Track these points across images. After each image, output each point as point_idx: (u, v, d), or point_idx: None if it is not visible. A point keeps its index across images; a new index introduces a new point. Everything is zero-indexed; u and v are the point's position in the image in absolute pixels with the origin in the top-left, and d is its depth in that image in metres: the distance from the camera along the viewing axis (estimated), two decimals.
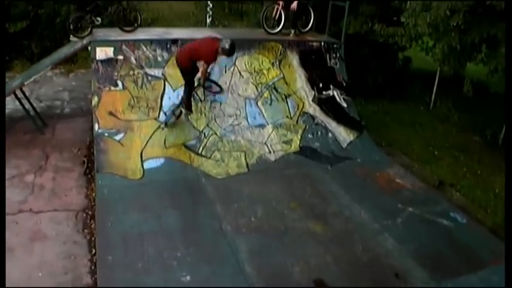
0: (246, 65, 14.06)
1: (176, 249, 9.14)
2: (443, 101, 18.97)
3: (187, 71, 12.09)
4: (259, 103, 13.82)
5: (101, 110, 12.38)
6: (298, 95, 14.24)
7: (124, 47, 13.04)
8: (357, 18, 18.06)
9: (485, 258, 9.76)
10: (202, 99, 13.23)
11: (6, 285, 7.53)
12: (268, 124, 13.54)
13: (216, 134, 12.99)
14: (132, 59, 13.03)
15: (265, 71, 14.12)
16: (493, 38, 12.86)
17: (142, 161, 11.91)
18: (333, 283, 8.63)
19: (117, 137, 12.14)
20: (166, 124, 12.58)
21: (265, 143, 13.25)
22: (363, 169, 13.06)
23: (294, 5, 14.95)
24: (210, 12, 19.84)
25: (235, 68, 13.84)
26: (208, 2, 19.17)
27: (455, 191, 12.72)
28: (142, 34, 14.14)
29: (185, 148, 12.50)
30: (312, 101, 14.44)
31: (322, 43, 15.39)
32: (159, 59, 13.28)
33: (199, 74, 12.23)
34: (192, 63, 11.97)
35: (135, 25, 14.45)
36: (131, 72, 12.90)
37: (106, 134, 12.12)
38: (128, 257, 8.88)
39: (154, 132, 12.43)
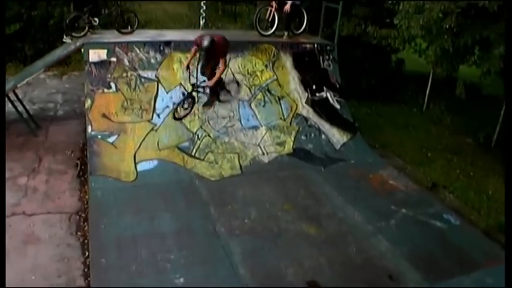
0: (239, 67, 14.07)
1: (170, 251, 9.13)
2: (436, 103, 19.04)
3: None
4: (253, 105, 13.83)
5: (94, 112, 12.36)
6: (291, 97, 14.26)
7: (117, 49, 13.02)
8: (350, 20, 18.14)
9: (478, 260, 9.78)
10: (196, 100, 13.21)
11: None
12: (261, 126, 13.55)
13: (209, 135, 12.99)
14: (125, 61, 13.01)
15: (258, 73, 14.14)
16: (486, 40, 12.90)
17: (135, 163, 11.91)
18: (326, 285, 8.65)
19: (111, 139, 12.14)
20: (175, 117, 12.74)
21: (258, 145, 13.25)
22: (357, 171, 13.08)
23: (287, 7, 14.96)
24: (204, 14, 19.78)
25: (229, 70, 13.80)
26: (202, 4, 19.12)
27: (448, 192, 12.76)
28: (135, 36, 14.12)
29: (178, 150, 12.50)
30: (305, 102, 14.46)
31: (316, 45, 15.41)
32: (152, 61, 13.28)
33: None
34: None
35: (133, 27, 14.44)
36: (124, 74, 12.89)
37: (99, 136, 12.11)
38: (121, 259, 8.86)
39: (147, 134, 12.43)
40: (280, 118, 13.96)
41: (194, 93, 13.04)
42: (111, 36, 13.95)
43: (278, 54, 14.66)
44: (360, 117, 16.19)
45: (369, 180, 12.70)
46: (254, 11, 16.30)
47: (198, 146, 12.71)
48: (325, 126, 14.34)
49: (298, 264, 9.13)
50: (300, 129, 13.98)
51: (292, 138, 13.66)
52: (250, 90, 13.88)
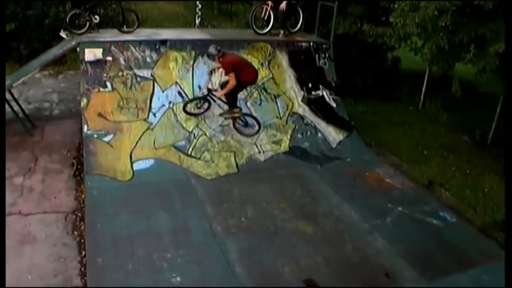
0: None
1: (166, 250, 9.14)
2: (432, 101, 19.04)
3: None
4: (249, 103, 13.83)
5: (89, 111, 12.35)
6: (287, 95, 14.26)
7: (113, 48, 13.00)
8: (345, 18, 18.12)
9: (474, 257, 9.80)
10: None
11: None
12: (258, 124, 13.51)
13: (205, 134, 13.01)
14: (121, 60, 13.00)
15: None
16: (481, 38, 12.91)
17: (131, 162, 11.92)
18: (323, 283, 8.65)
19: (107, 139, 12.14)
20: (185, 110, 12.97)
21: (254, 143, 13.26)
22: (353, 169, 13.09)
23: (283, 5, 14.93)
24: (199, 13, 19.75)
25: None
26: (197, 3, 19.09)
27: (444, 190, 12.77)
28: (131, 35, 14.09)
29: (175, 149, 12.51)
30: (301, 101, 14.46)
31: (311, 43, 15.40)
32: (148, 59, 13.26)
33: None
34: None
35: (133, 26, 14.42)
36: (120, 74, 12.88)
37: (95, 136, 12.11)
38: (117, 258, 8.86)
39: (143, 133, 12.45)
40: (277, 116, 13.97)
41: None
42: (108, 35, 13.93)
43: (274, 53, 14.65)
44: (356, 116, 16.20)
45: (365, 178, 12.71)
46: (250, 10, 16.26)
47: (194, 145, 12.72)
48: (321, 124, 14.35)
49: (295, 262, 9.15)
50: (296, 127, 13.99)
51: (289, 137, 13.66)
52: (246, 88, 13.85)
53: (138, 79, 12.98)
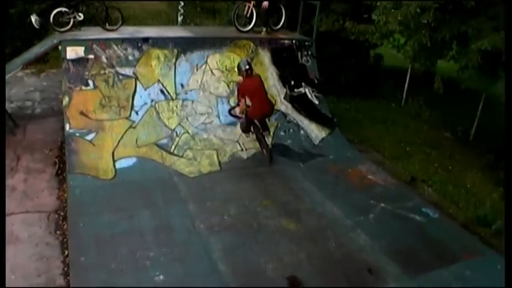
0: (217, 63, 14.07)
1: (149, 249, 9.12)
2: (414, 98, 19.14)
3: None
4: (231, 101, 13.81)
5: (71, 110, 12.29)
6: (270, 93, 14.14)
7: (95, 46, 12.92)
8: (328, 16, 18.17)
9: (457, 253, 9.85)
10: (174, 97, 13.20)
11: None
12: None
13: (188, 132, 13.01)
14: (103, 58, 12.93)
15: (236, 69, 14.08)
16: (464, 35, 12.98)
17: (114, 161, 11.89)
18: (306, 280, 8.67)
19: (89, 137, 12.09)
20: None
21: (237, 141, 13.27)
22: (335, 166, 13.13)
23: (266, 3, 14.93)
24: (182, 11, 19.75)
25: (207, 66, 13.86)
26: (180, 1, 19.11)
27: (427, 186, 12.85)
28: (113, 33, 14.04)
29: (157, 147, 12.50)
30: (284, 98, 14.49)
31: (294, 41, 15.43)
32: (130, 57, 13.21)
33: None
34: None
35: (117, 24, 14.36)
36: (102, 72, 12.81)
37: (77, 134, 12.06)
38: (100, 257, 8.83)
39: (126, 131, 12.41)
40: None
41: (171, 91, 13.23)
42: (91, 33, 13.85)
43: (256, 50, 14.66)
44: (339, 113, 16.24)
45: (347, 175, 12.76)
46: (232, 8, 16.24)
47: (177, 143, 12.72)
48: (304, 121, 14.39)
49: (278, 259, 9.16)
50: (279, 125, 14.02)
51: (271, 134, 13.64)
52: (228, 86, 13.89)
53: (120, 77, 12.92)
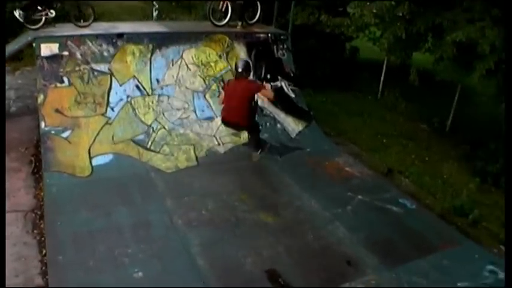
0: (193, 58, 14.01)
1: (127, 246, 9.09)
2: (390, 91, 19.23)
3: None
4: (207, 96, 13.81)
5: (47, 107, 12.19)
6: None
7: (69, 42, 12.79)
8: (304, 9, 18.20)
9: (434, 243, 9.95)
10: (150, 93, 13.15)
11: None
12: (216, 117, 13.42)
13: (164, 128, 12.95)
14: (78, 54, 12.81)
15: (212, 64, 14.11)
16: (439, 27, 13.03)
17: (90, 158, 11.81)
18: (285, 273, 8.69)
19: (64, 135, 11.99)
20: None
21: (214, 136, 13.26)
22: (313, 159, 13.17)
23: None
24: (156, 6, 19.67)
25: (182, 61, 13.80)
26: None
27: (404, 178, 12.93)
28: (87, 29, 13.90)
29: (134, 143, 12.44)
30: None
31: (269, 34, 15.42)
32: (105, 53, 13.10)
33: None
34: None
35: (89, 20, 14.26)
36: (77, 68, 12.69)
37: (53, 132, 11.96)
38: (78, 256, 8.78)
39: (101, 128, 12.32)
40: None
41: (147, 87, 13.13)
42: (65, 29, 13.71)
43: (232, 45, 14.62)
44: (315, 106, 16.28)
45: (325, 167, 12.80)
46: (208, 2, 16.20)
47: (154, 139, 12.67)
48: (280, 115, 14.40)
49: (257, 253, 9.17)
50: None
51: None
52: (204, 81, 13.84)
53: (95, 73, 12.81)
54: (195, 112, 13.55)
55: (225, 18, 15.14)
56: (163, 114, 13.13)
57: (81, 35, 13.14)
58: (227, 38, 14.59)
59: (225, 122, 11.95)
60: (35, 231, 9.61)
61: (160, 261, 8.78)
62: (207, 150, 12.84)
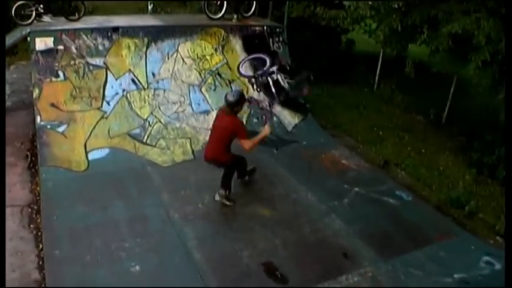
0: (188, 52, 14.01)
1: (124, 240, 9.10)
2: (386, 83, 19.18)
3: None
4: (203, 89, 13.81)
5: (42, 102, 12.19)
6: (242, 80, 14.24)
7: (64, 36, 12.80)
8: (299, 2, 18.17)
9: (430, 235, 9.95)
10: (146, 86, 13.13)
11: None
12: (212, 110, 13.42)
13: (160, 121, 12.95)
14: (73, 48, 12.82)
15: (208, 57, 14.11)
16: (434, 19, 13.03)
17: (86, 152, 11.80)
18: (282, 266, 8.71)
19: (60, 129, 11.99)
20: None
21: (210, 129, 13.17)
22: (309, 151, 13.14)
23: None
24: None
25: (178, 54, 13.79)
26: None
27: (400, 170, 12.92)
28: (82, 23, 13.92)
29: (130, 137, 12.43)
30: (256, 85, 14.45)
31: (265, 27, 15.41)
32: (100, 47, 13.10)
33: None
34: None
35: (80, 14, 14.25)
36: (72, 62, 12.69)
37: (48, 127, 11.95)
38: (75, 250, 8.79)
39: (97, 122, 12.32)
40: None
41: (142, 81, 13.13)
42: (59, 23, 13.71)
43: (227, 38, 14.62)
44: (311, 99, 16.20)
45: (321, 160, 12.77)
46: None
47: (150, 133, 12.66)
48: (276, 108, 14.38)
49: (253, 246, 9.18)
50: (251, 112, 14.02)
51: (244, 122, 13.59)
52: (200, 74, 13.84)
53: (91, 67, 12.81)
54: (191, 106, 13.54)
55: (221, 11, 15.15)
56: (159, 108, 13.12)
57: (76, 29, 13.15)
58: (223, 31, 14.59)
59: (205, 159, 10.61)
60: (32, 225, 9.61)
61: (157, 255, 8.80)
62: (203, 143, 12.72)
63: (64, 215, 9.69)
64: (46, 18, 13.81)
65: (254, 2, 15.73)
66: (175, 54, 13.66)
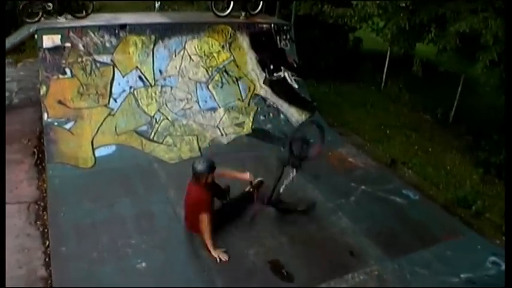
0: (196, 49, 13.97)
1: (130, 237, 9.11)
2: (394, 81, 19.15)
3: None
4: (210, 86, 13.78)
5: (49, 99, 12.19)
6: (249, 77, 14.24)
7: (71, 34, 12.78)
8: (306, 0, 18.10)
9: (437, 234, 9.91)
10: (153, 84, 13.13)
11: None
12: (219, 107, 13.51)
13: (167, 118, 12.94)
14: (80, 46, 12.80)
15: (215, 54, 14.08)
16: (442, 18, 13.00)
17: (93, 149, 11.81)
18: (288, 263, 8.69)
19: (67, 126, 11.99)
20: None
21: (217, 126, 13.24)
22: None
23: None
24: None
25: (185, 51, 13.77)
26: None
27: (407, 168, 12.90)
28: (89, 20, 13.95)
29: (136, 134, 12.44)
30: (263, 83, 14.45)
31: (273, 25, 15.36)
32: (108, 45, 13.09)
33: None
34: None
35: (87, 11, 14.27)
36: (79, 60, 12.69)
37: (56, 124, 11.96)
38: (81, 247, 8.80)
39: (104, 119, 12.33)
40: (238, 99, 13.96)
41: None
42: (65, 21, 13.74)
43: (235, 35, 14.57)
44: (318, 97, 16.22)
45: (328, 158, 12.71)
46: None
47: (157, 130, 12.66)
48: (283, 106, 14.37)
49: (260, 244, 9.18)
50: (259, 109, 14.01)
51: (251, 119, 13.67)
52: (207, 71, 13.81)
53: (98, 65, 12.80)
54: (198, 103, 13.52)
55: (228, 8, 15.10)
56: (166, 105, 13.12)
57: (84, 26, 13.14)
58: (230, 29, 14.54)
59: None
60: (38, 222, 9.63)
61: (163, 251, 8.81)
62: (210, 140, 12.82)
63: (71, 212, 9.71)
64: (60, 19, 13.81)
65: (261, 0, 15.70)
66: (182, 52, 13.65)
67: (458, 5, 12.53)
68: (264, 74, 14.57)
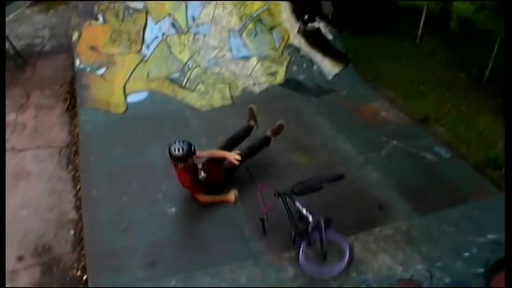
0: None
1: (160, 182, 9.17)
2: (430, 37, 18.80)
3: None
4: (244, 35, 13.62)
5: (81, 45, 12.19)
6: (283, 27, 14.04)
7: None
8: None
9: (466, 193, 9.69)
10: (185, 31, 13.02)
11: None
12: (252, 56, 13.37)
13: (199, 66, 12.86)
14: None
15: (249, 2, 13.86)
16: None
17: (125, 95, 11.84)
18: (317, 215, 8.63)
19: (99, 72, 12.02)
20: None
21: (249, 75, 13.12)
22: (348, 102, 12.94)
23: None
24: None
25: None
26: None
27: (439, 126, 12.67)
28: None
29: (169, 81, 12.40)
30: (297, 32, 14.24)
31: None
32: None
33: None
34: None
35: None
36: (112, 6, 12.63)
37: (88, 69, 11.98)
38: (112, 191, 8.89)
39: (137, 65, 12.31)
40: (272, 48, 13.78)
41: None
42: None
43: None
44: (352, 49, 15.97)
45: (360, 111, 12.57)
46: None
47: (189, 77, 12.61)
48: (317, 56, 14.18)
49: None
50: (292, 59, 13.82)
51: (284, 69, 13.51)
52: (240, 20, 13.65)
53: (131, 11, 12.73)
54: (231, 51, 13.39)
55: None
56: (199, 53, 13.02)
57: None
58: None
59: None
60: (70, 166, 9.74)
61: (192, 198, 8.82)
62: (242, 89, 12.73)
63: (102, 157, 9.79)
64: None
65: None
66: None
67: None
68: (298, 24, 14.34)
